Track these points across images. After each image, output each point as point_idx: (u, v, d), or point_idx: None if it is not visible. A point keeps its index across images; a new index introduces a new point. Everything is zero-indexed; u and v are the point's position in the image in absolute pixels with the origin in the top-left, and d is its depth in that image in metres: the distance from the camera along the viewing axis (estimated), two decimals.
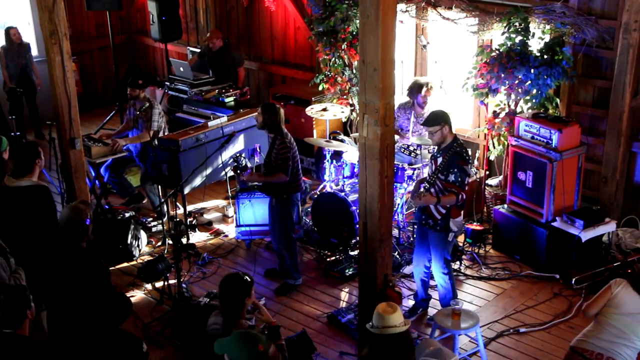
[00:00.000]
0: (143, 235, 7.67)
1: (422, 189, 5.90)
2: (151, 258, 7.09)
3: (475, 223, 7.60)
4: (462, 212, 6.13)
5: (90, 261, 5.05)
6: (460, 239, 7.36)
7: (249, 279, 4.68)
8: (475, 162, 8.23)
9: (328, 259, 7.42)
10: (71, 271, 4.97)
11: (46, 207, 5.97)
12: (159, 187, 8.16)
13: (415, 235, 7.51)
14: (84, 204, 5.37)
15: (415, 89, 7.70)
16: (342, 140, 8.39)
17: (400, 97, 7.73)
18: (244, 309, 4.63)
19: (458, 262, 7.14)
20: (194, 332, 6.15)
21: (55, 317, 5.07)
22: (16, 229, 5.91)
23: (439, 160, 5.97)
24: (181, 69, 9.64)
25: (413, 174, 7.47)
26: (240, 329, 4.45)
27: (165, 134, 8.08)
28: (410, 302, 6.66)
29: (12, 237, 5.82)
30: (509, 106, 7.47)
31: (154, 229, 7.99)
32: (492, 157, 7.97)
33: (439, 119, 5.96)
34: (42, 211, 5.86)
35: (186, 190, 7.55)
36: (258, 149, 7.94)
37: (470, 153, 6.04)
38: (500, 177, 7.95)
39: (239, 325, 4.54)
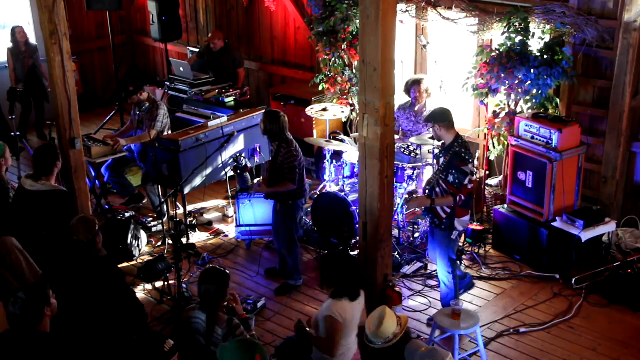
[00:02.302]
0: (143, 235, 7.67)
1: (406, 194, 5.92)
2: (151, 258, 7.09)
3: (475, 223, 7.59)
4: (468, 212, 6.15)
5: (105, 269, 5.04)
6: (461, 238, 7.36)
7: (227, 271, 4.78)
8: (476, 162, 8.22)
9: None
10: (86, 279, 4.95)
11: (68, 212, 5.95)
12: (159, 187, 8.16)
13: (414, 235, 7.57)
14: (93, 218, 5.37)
15: (407, 87, 7.87)
16: (342, 140, 8.39)
17: (400, 97, 7.73)
18: (223, 302, 4.70)
19: (458, 262, 7.13)
20: (179, 335, 6.15)
21: (67, 323, 5.05)
22: (34, 233, 5.90)
23: (441, 160, 6.00)
24: (181, 69, 9.64)
25: (413, 174, 7.47)
26: (221, 322, 4.55)
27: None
28: (410, 302, 6.66)
29: (28, 240, 5.82)
30: (509, 106, 7.47)
31: (154, 229, 7.99)
32: (492, 157, 7.97)
33: (430, 118, 6.06)
34: (63, 216, 5.82)
35: (186, 190, 7.55)
36: (258, 149, 7.94)
37: (472, 152, 6.03)
38: (500, 177, 7.95)
39: (220, 318, 4.58)
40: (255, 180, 8.07)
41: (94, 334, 4.86)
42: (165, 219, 7.94)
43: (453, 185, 5.86)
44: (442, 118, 5.95)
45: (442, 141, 6.09)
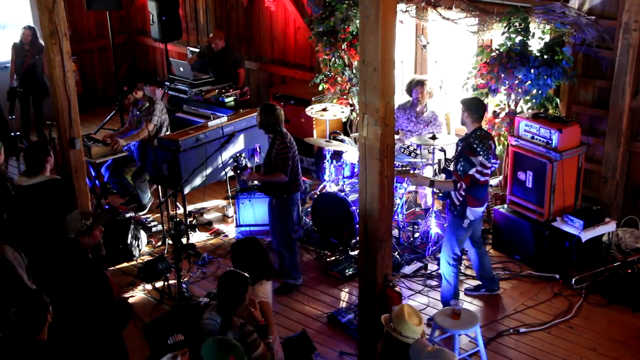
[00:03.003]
0: (143, 235, 7.67)
1: (412, 171, 6.29)
2: (151, 258, 7.09)
3: None
4: (481, 205, 6.19)
5: (91, 269, 5.01)
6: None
7: (247, 275, 4.71)
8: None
9: (328, 259, 7.42)
10: (73, 278, 4.93)
11: (64, 199, 5.96)
12: (159, 187, 8.15)
13: (414, 235, 7.57)
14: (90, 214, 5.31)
15: (410, 86, 7.90)
16: (342, 140, 8.38)
17: (400, 97, 7.72)
18: (240, 307, 4.66)
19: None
20: (194, 332, 6.15)
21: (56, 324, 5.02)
22: (35, 228, 5.89)
23: (459, 148, 6.19)
24: (181, 69, 9.64)
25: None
26: (234, 327, 4.49)
27: (167, 133, 8.10)
28: (410, 302, 6.65)
29: (29, 236, 5.80)
30: (509, 106, 7.47)
31: (154, 229, 7.99)
32: None
33: (464, 102, 6.19)
34: (60, 204, 5.82)
35: (186, 190, 7.55)
36: (258, 149, 7.94)
37: (489, 146, 6.06)
38: (500, 177, 7.95)
39: (233, 323, 4.57)
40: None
41: (76, 338, 4.82)
42: (144, 212, 8.13)
43: (457, 171, 6.05)
44: (474, 109, 6.09)
45: (462, 124, 6.25)
